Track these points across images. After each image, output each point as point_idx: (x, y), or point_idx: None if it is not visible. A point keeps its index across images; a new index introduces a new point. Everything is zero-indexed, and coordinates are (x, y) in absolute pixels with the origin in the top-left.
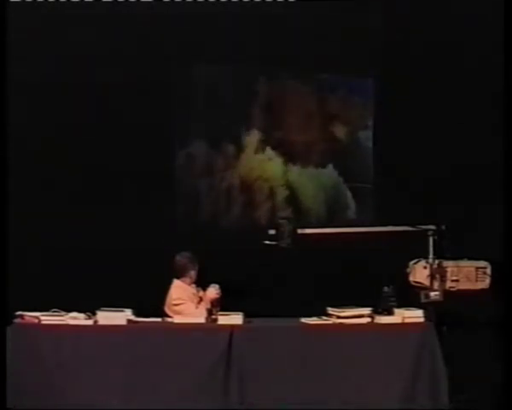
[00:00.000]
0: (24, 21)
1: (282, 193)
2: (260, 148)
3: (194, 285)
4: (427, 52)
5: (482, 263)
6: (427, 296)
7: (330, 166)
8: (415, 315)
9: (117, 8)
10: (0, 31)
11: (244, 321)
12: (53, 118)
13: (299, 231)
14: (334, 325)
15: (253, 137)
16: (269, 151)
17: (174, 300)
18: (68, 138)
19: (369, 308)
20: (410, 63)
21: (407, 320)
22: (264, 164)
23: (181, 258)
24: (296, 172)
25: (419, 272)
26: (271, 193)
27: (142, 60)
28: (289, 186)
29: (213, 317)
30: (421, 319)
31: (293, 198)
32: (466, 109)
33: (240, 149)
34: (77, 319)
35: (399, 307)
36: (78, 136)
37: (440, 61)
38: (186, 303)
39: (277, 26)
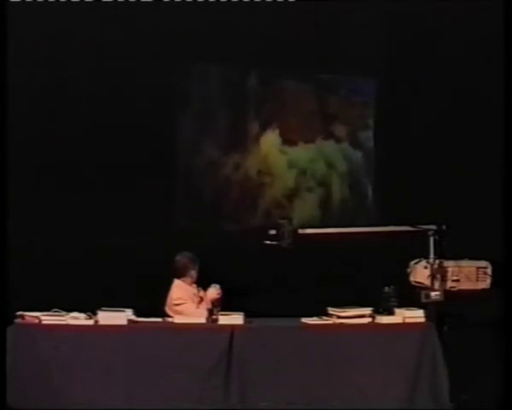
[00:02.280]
0: (24, 21)
1: (284, 191)
2: (261, 147)
3: (194, 285)
4: (428, 52)
5: (483, 263)
6: (428, 296)
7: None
8: (415, 315)
9: (117, 8)
10: (0, 31)
11: (245, 321)
12: (53, 118)
13: (300, 231)
14: (334, 324)
15: (253, 137)
16: (270, 151)
17: (175, 300)
18: (68, 138)
19: (370, 308)
20: (410, 63)
21: (408, 320)
22: (265, 163)
23: (181, 258)
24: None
25: (420, 272)
26: (272, 192)
27: (142, 59)
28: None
29: (214, 317)
30: (422, 319)
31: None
32: (466, 109)
33: (240, 148)
34: (77, 319)
35: (400, 307)
36: (77, 136)
37: (441, 61)
38: (187, 303)
39: (277, 25)
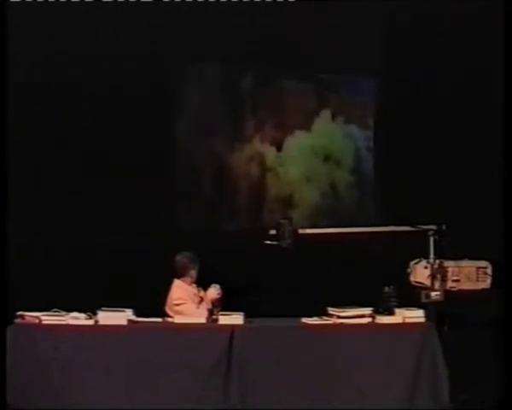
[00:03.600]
0: (24, 21)
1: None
2: (261, 147)
3: (194, 285)
4: (428, 51)
5: (483, 263)
6: (428, 296)
7: None
8: (415, 315)
9: (117, 8)
10: (0, 31)
11: (245, 321)
12: (53, 117)
13: (300, 231)
14: (334, 324)
15: (253, 137)
16: (269, 150)
17: (175, 300)
18: (68, 138)
19: (370, 308)
20: (410, 63)
21: (408, 320)
22: (265, 163)
23: (181, 258)
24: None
25: (420, 272)
26: (271, 192)
27: (141, 59)
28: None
29: (214, 317)
30: (422, 319)
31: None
32: (466, 109)
33: (240, 148)
34: (77, 319)
35: (400, 307)
36: (77, 135)
37: (441, 61)
38: (187, 303)
39: (277, 25)
